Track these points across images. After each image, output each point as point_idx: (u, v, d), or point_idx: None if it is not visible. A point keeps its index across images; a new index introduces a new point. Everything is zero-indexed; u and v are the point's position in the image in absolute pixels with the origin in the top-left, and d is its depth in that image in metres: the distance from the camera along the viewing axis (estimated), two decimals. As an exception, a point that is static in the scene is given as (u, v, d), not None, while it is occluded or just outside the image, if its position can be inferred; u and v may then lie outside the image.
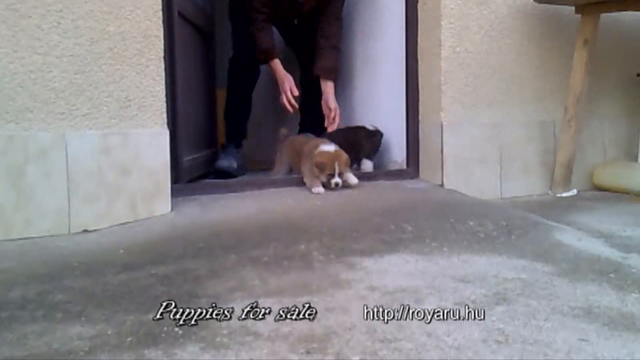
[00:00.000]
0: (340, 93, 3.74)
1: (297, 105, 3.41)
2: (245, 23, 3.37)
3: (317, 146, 2.80)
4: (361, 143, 3.21)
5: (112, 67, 2.27)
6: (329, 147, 2.78)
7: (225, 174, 3.24)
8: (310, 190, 2.73)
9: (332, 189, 2.72)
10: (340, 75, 3.63)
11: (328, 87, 3.39)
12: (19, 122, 2.12)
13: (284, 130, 3.35)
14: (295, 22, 3.55)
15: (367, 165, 3.24)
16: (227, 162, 3.35)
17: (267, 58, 3.37)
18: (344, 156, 2.76)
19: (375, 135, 3.23)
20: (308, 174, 2.80)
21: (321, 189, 2.72)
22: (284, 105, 3.38)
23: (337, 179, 2.71)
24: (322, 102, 3.40)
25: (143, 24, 2.33)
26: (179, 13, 2.72)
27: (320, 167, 2.70)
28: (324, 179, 2.72)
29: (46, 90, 2.16)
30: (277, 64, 3.38)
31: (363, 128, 3.27)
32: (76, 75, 2.21)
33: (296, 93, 3.37)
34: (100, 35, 2.25)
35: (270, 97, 3.99)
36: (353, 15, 3.65)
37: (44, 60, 2.16)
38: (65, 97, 2.19)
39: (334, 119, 3.35)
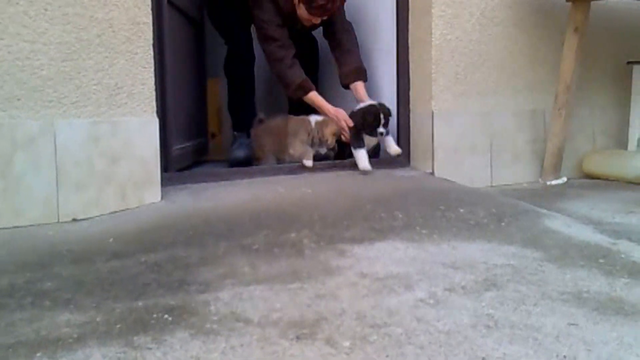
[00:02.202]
0: (333, 82, 3.73)
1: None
2: (269, 60, 3.21)
3: (304, 120, 3.04)
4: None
5: (100, 55, 2.25)
6: (321, 117, 3.08)
7: (242, 164, 3.23)
8: (302, 162, 2.91)
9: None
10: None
11: (358, 87, 3.20)
12: (6, 110, 2.10)
13: (260, 115, 3.27)
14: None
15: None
16: (242, 152, 3.36)
17: (305, 93, 3.15)
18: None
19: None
20: (299, 146, 2.96)
21: (311, 162, 2.89)
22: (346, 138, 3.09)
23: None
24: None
25: (131, 11, 2.30)
26: (169, 1, 2.70)
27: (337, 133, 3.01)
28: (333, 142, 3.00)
29: (34, 78, 2.14)
30: (318, 96, 3.17)
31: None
32: (64, 62, 2.19)
33: (351, 124, 3.04)
34: (88, 22, 2.22)
35: (266, 86, 3.96)
36: (346, 4, 3.63)
37: (31, 48, 2.13)
38: (53, 85, 2.17)
39: None
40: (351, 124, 3.02)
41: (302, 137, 3.00)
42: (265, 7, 3.17)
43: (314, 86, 3.19)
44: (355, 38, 3.32)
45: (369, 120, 2.94)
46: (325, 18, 3.17)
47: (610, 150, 3.45)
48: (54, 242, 1.92)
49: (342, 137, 3.05)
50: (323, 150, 3.03)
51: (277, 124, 3.13)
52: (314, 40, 3.65)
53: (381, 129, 2.92)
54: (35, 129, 2.13)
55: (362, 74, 3.22)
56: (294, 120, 3.09)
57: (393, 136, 3.18)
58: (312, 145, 3.00)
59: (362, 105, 3.05)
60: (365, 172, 2.86)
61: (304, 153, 2.94)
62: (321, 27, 3.36)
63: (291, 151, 3.00)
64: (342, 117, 3.04)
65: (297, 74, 3.15)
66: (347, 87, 3.23)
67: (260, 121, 3.24)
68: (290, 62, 3.15)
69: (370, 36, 3.43)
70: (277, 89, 3.76)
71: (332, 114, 3.08)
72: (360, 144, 2.93)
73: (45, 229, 2.08)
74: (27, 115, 2.13)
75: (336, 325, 1.33)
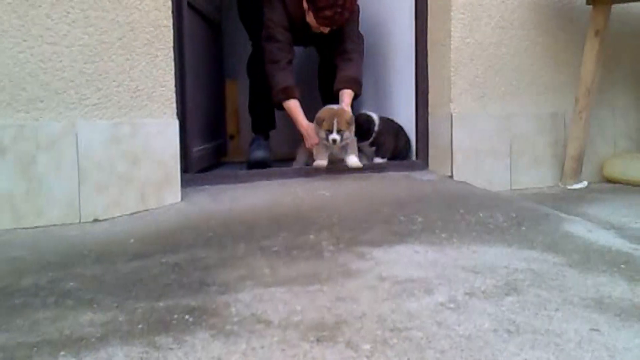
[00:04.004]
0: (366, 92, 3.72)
1: None
2: (266, 59, 3.16)
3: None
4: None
5: (121, 57, 2.27)
6: (333, 105, 2.90)
7: (261, 165, 3.24)
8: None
9: (332, 146, 2.77)
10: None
11: (345, 95, 3.14)
12: (29, 112, 2.13)
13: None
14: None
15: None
16: (261, 153, 3.36)
17: (287, 97, 3.08)
18: (347, 114, 2.78)
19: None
20: (317, 147, 2.89)
21: (324, 162, 2.79)
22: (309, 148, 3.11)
23: (334, 135, 2.70)
24: None
25: (152, 13, 2.33)
26: (188, 3, 2.72)
27: (319, 122, 2.73)
28: (323, 135, 2.75)
29: (56, 80, 2.17)
30: (296, 106, 3.10)
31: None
32: (86, 64, 2.21)
33: (316, 142, 3.03)
34: (109, 25, 2.25)
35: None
36: (363, 7, 3.63)
37: (53, 50, 2.16)
38: (75, 86, 2.20)
39: None
40: (316, 141, 2.99)
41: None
42: (276, 7, 3.14)
43: (298, 95, 3.12)
44: (362, 51, 3.27)
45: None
46: (334, 28, 3.12)
47: (631, 153, 3.42)
48: (76, 242, 1.94)
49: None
50: (335, 138, 2.85)
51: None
52: None
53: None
54: (57, 131, 2.16)
55: (353, 83, 3.17)
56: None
57: (412, 138, 3.19)
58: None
59: None
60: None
61: (317, 154, 2.93)
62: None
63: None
64: (311, 134, 3.02)
65: (285, 78, 3.10)
66: (336, 93, 3.17)
67: None
68: (283, 66, 3.11)
69: (388, 39, 3.43)
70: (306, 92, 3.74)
71: (303, 129, 3.05)
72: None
73: (67, 229, 2.11)
74: (50, 117, 2.16)
75: (356, 328, 1.32)
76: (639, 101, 3.48)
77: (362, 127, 3.09)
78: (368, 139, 3.13)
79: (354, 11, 3.13)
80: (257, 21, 3.37)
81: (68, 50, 2.19)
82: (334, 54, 3.29)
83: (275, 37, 3.12)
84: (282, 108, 3.15)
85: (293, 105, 3.09)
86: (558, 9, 3.19)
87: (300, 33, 3.21)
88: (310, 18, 3.09)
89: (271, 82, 3.13)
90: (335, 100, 3.23)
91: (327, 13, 2.99)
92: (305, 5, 3.07)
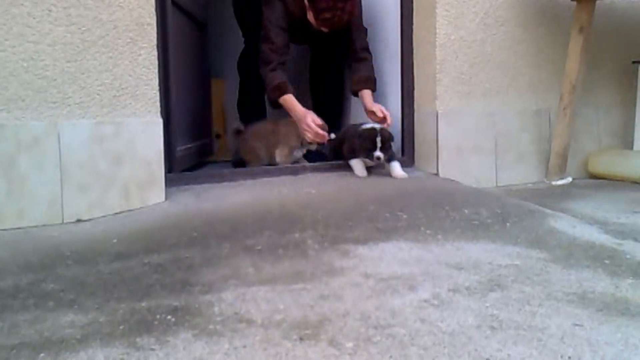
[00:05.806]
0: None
1: (326, 135, 2.99)
2: (260, 59, 3.19)
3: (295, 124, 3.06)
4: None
5: (104, 56, 2.25)
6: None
7: (246, 164, 3.23)
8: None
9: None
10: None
11: (365, 95, 3.17)
12: (10, 111, 2.11)
13: (238, 124, 3.31)
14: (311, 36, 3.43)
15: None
16: None
17: (281, 93, 3.10)
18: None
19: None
20: (286, 152, 3.04)
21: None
22: (313, 141, 3.02)
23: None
24: (365, 111, 3.16)
25: (135, 11, 2.31)
26: (173, 1, 2.70)
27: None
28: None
29: (38, 79, 2.15)
30: (292, 99, 3.10)
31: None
32: (68, 63, 2.19)
33: (320, 123, 2.98)
34: (92, 23, 2.23)
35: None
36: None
37: (35, 49, 2.14)
38: (57, 85, 2.18)
39: (383, 118, 3.03)
40: (320, 122, 2.95)
41: (292, 142, 3.05)
42: (275, 7, 3.15)
43: (291, 89, 3.11)
44: (368, 45, 3.30)
45: (364, 145, 2.76)
46: (334, 28, 3.11)
47: (615, 150, 3.44)
48: (58, 243, 1.92)
49: (305, 138, 3.01)
50: (300, 154, 3.06)
51: (265, 128, 3.15)
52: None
53: (378, 153, 2.72)
54: (39, 130, 2.14)
55: (370, 83, 3.22)
56: (288, 127, 3.09)
57: (397, 135, 3.18)
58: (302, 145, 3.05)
59: (363, 126, 2.84)
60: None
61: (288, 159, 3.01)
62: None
63: (277, 159, 3.05)
64: (310, 117, 2.97)
65: (278, 76, 3.12)
66: (355, 94, 3.23)
67: (238, 132, 3.25)
68: (274, 66, 3.13)
69: (374, 36, 3.42)
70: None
71: (301, 115, 3.00)
72: (353, 156, 2.87)
73: (50, 229, 2.09)
74: (32, 116, 2.14)
75: (339, 326, 1.32)
76: (624, 97, 3.50)
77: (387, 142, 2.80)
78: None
79: (354, 12, 3.12)
80: (250, 19, 3.37)
81: (50, 49, 2.16)
82: (345, 53, 3.32)
83: (271, 38, 3.14)
84: (279, 106, 3.14)
85: (288, 99, 3.09)
86: (542, 6, 3.20)
87: (300, 31, 3.23)
88: (310, 17, 3.09)
89: (265, 81, 3.16)
90: (323, 97, 3.26)
91: (327, 15, 3.01)
92: (306, 3, 3.07)
